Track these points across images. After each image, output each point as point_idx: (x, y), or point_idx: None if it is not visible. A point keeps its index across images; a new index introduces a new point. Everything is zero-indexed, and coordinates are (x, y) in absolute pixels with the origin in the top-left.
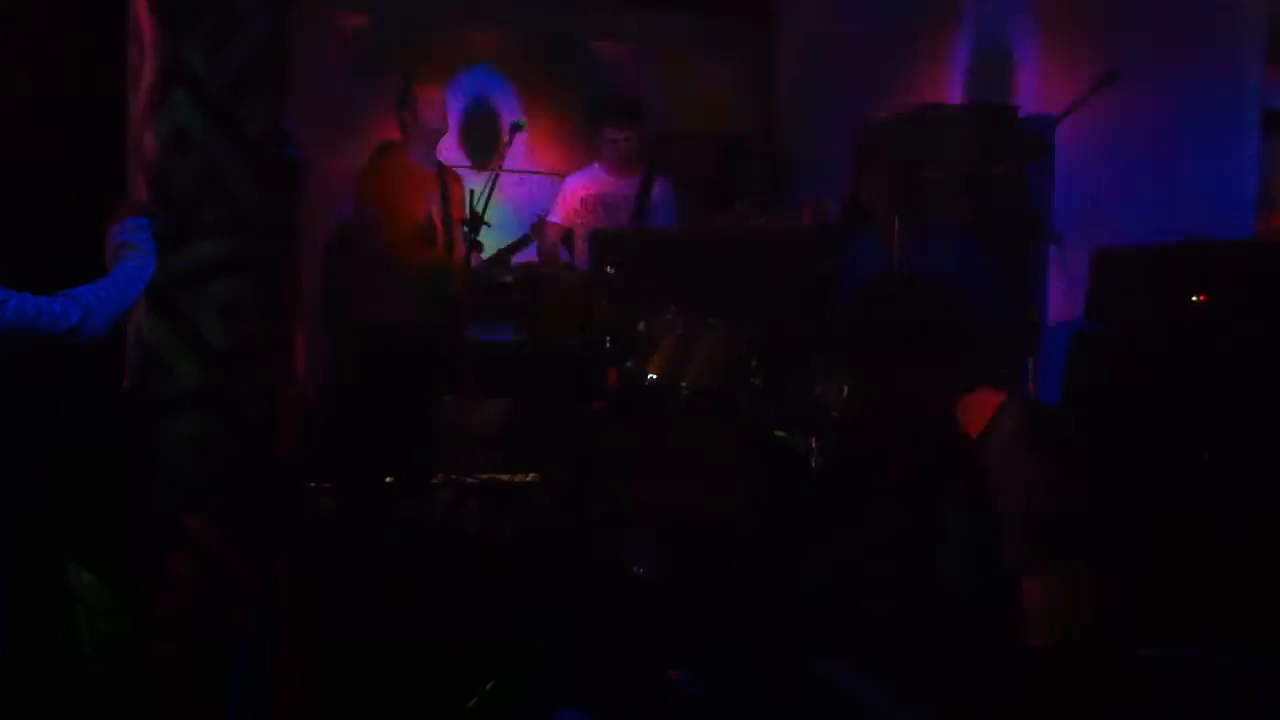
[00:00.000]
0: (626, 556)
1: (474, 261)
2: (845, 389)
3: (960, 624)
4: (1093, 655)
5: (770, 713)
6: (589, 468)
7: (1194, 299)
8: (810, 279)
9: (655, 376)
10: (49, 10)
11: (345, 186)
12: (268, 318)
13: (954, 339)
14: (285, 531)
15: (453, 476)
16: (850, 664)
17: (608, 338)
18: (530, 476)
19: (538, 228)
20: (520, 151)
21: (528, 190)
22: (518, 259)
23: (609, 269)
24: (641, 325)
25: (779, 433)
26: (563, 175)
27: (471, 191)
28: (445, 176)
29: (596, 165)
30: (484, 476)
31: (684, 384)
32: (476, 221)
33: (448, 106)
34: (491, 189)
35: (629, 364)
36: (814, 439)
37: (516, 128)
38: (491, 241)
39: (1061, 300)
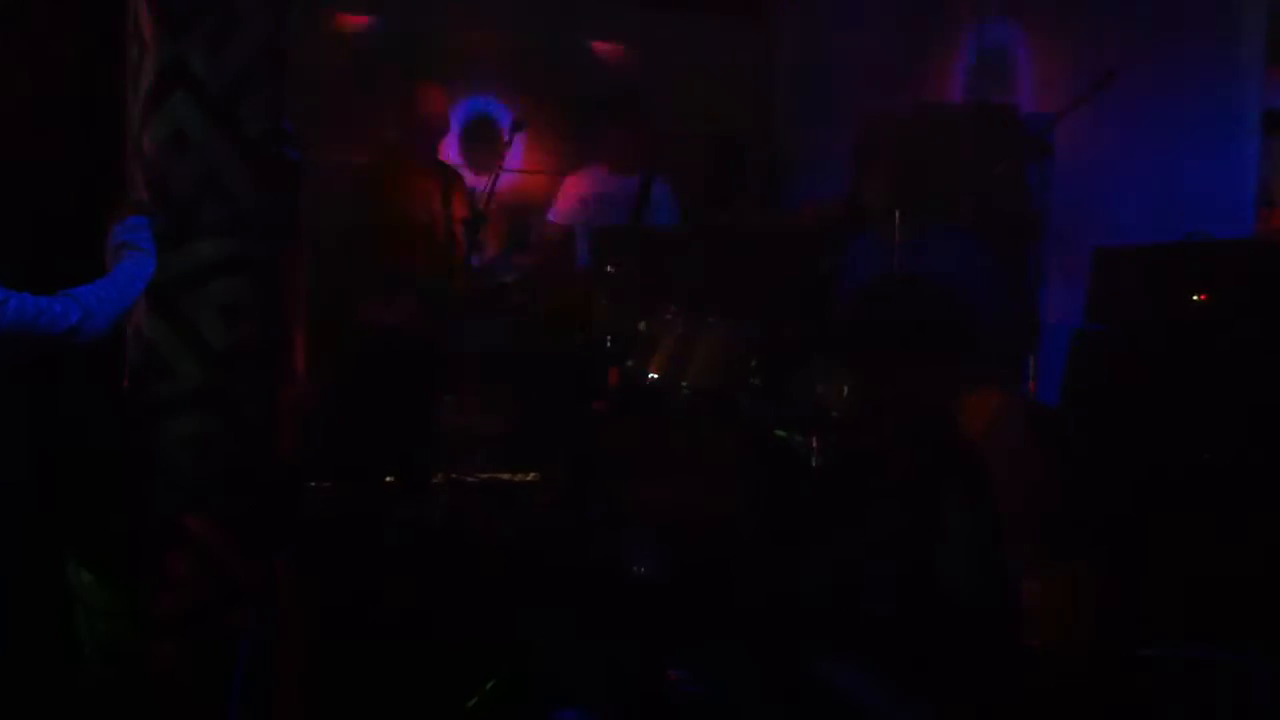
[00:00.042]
0: (626, 556)
1: (474, 261)
2: (845, 389)
3: (960, 624)
4: (1093, 655)
5: (770, 713)
6: (589, 468)
7: (1194, 298)
8: (810, 279)
9: (655, 376)
10: (49, 10)
11: (345, 186)
12: (268, 318)
13: (954, 339)
14: (285, 531)
15: (453, 476)
16: (850, 664)
17: (608, 338)
18: (530, 476)
19: (520, 236)
20: (521, 151)
21: (528, 190)
22: (518, 259)
23: (609, 268)
24: (641, 325)
25: (779, 433)
26: (563, 174)
27: (472, 191)
28: (446, 176)
29: (596, 164)
30: (484, 476)
31: (684, 384)
32: (477, 221)
33: (448, 106)
34: (492, 188)
35: (629, 364)
36: (814, 439)
37: (517, 127)
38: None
39: (1061, 300)
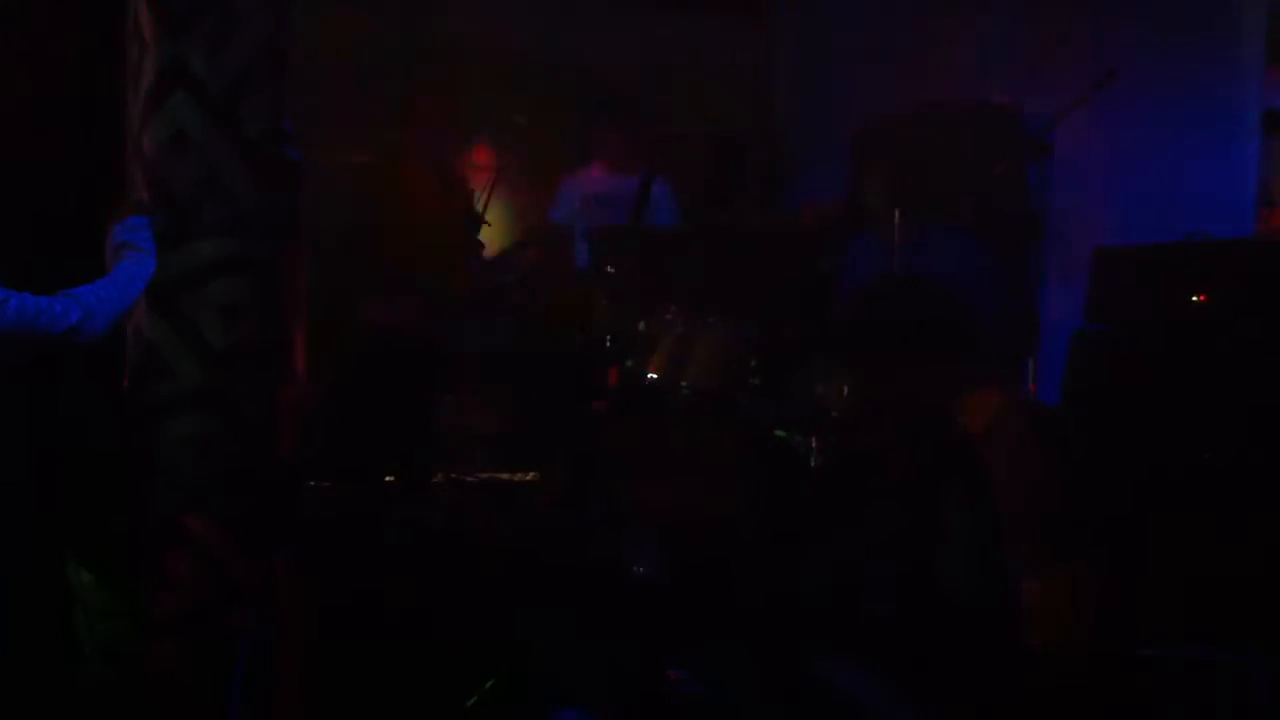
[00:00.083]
0: (626, 556)
1: (474, 261)
2: (845, 389)
3: (960, 624)
4: (1093, 655)
5: (770, 713)
6: (589, 468)
7: (1194, 299)
8: (810, 279)
9: (655, 376)
10: (49, 10)
11: (345, 186)
12: (268, 318)
13: (954, 339)
14: (285, 531)
15: (453, 476)
16: (850, 664)
17: (608, 337)
18: (530, 476)
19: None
20: (521, 150)
21: (528, 190)
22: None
23: (609, 268)
24: (641, 325)
25: (779, 433)
26: (562, 175)
27: (472, 191)
28: (446, 175)
29: (596, 164)
30: (484, 476)
31: (684, 384)
32: (477, 221)
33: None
34: (492, 188)
35: (629, 364)
36: (814, 439)
37: (518, 127)
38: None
39: (1061, 300)
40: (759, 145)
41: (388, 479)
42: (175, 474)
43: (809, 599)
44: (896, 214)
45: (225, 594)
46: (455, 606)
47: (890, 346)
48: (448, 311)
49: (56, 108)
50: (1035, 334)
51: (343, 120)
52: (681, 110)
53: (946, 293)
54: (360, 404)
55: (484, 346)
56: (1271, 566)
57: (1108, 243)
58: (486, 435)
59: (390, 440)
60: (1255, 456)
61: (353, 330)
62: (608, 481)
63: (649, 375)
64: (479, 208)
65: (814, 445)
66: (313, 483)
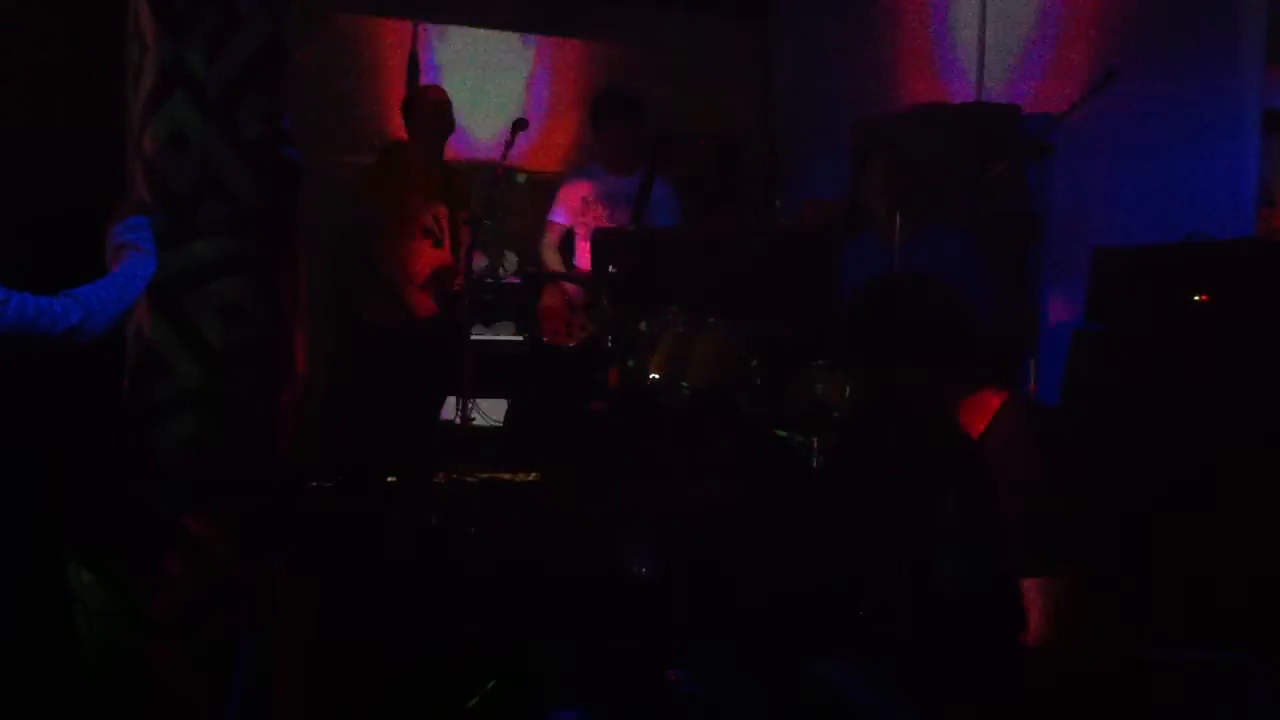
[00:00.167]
0: (626, 556)
1: (476, 261)
2: (845, 389)
3: (960, 624)
4: (1093, 655)
5: (770, 713)
6: (589, 468)
7: (1194, 299)
8: (810, 279)
9: (655, 376)
10: (49, 10)
11: (345, 186)
12: (268, 318)
13: (954, 339)
14: (285, 531)
15: (453, 476)
16: (849, 664)
17: (608, 337)
18: (530, 476)
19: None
20: (521, 150)
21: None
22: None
23: (610, 268)
24: (642, 324)
25: (779, 433)
26: (563, 175)
27: (474, 191)
28: (449, 176)
29: (597, 164)
30: (484, 476)
31: (684, 384)
32: (477, 221)
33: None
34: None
35: (629, 363)
36: (814, 439)
37: (519, 126)
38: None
39: (1061, 300)
40: (759, 145)
41: (388, 479)
42: (174, 474)
43: (808, 599)
44: (896, 214)
45: (224, 594)
46: (455, 606)
47: (890, 346)
48: (449, 311)
49: (56, 108)
50: (1035, 334)
51: (343, 120)
52: (681, 110)
53: (947, 292)
54: (360, 404)
55: (484, 346)
56: (1271, 566)
57: (1108, 243)
58: (486, 435)
59: (390, 440)
60: (1255, 456)
61: (353, 330)
62: (608, 481)
63: (649, 375)
64: (479, 208)
65: (814, 445)
66: (313, 483)
